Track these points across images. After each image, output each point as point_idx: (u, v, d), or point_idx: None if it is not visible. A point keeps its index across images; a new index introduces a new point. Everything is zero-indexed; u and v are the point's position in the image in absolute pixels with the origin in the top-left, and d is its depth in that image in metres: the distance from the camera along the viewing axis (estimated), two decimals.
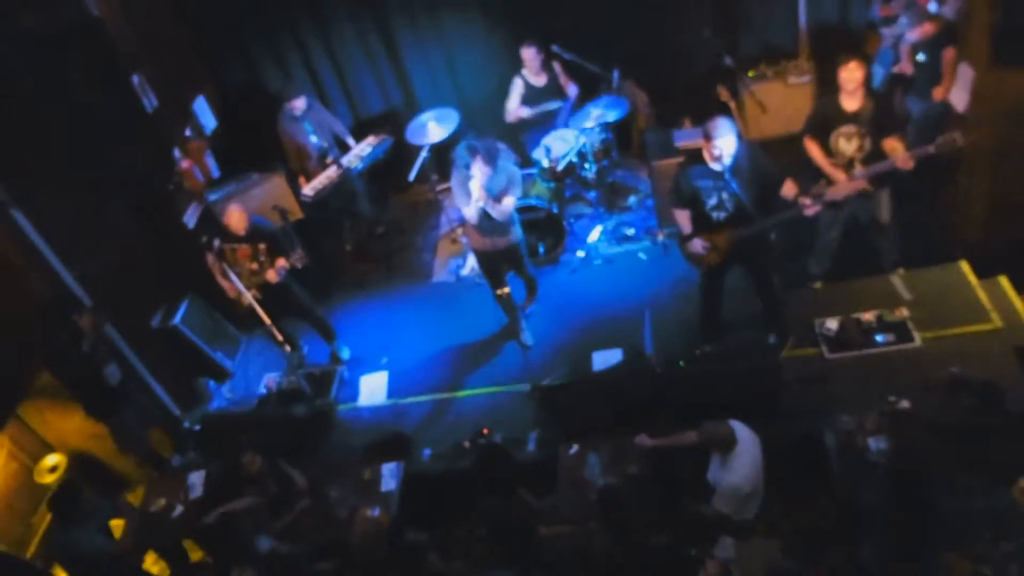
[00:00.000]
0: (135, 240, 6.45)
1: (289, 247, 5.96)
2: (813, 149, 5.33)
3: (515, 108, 7.08)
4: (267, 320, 5.90)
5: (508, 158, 6.42)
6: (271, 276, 5.86)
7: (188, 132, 7.15)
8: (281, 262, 5.83)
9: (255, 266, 5.97)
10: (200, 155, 7.23)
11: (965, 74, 5.36)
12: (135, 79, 6.43)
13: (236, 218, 5.85)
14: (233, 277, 5.85)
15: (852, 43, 7.24)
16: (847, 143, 5.18)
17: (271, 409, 6.36)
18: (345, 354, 6.70)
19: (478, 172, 5.42)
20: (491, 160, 5.43)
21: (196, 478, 5.67)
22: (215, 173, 7.40)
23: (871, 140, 5.13)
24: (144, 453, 6.19)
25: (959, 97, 5.49)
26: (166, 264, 6.65)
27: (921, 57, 5.84)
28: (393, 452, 5.63)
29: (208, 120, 7.52)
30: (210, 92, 7.66)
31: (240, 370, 6.90)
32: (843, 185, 5.15)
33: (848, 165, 5.20)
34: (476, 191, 5.45)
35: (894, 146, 5.04)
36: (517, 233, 5.89)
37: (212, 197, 6.98)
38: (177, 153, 6.86)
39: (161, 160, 6.71)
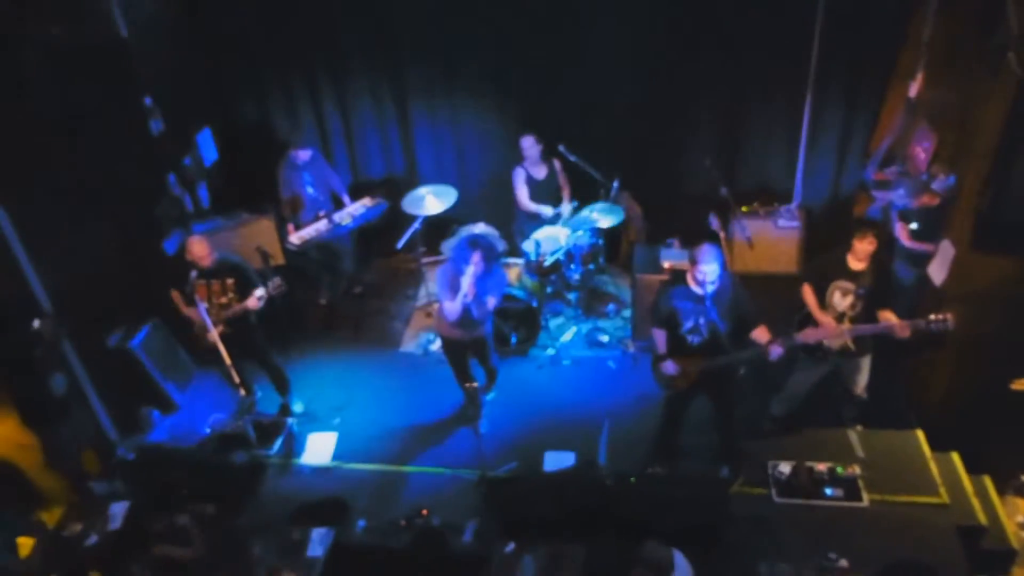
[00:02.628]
0: (111, 256, 6.38)
1: (259, 281, 5.87)
2: (808, 295, 5.46)
3: (526, 200, 7.21)
4: (227, 359, 5.80)
5: (496, 246, 6.52)
6: (252, 303, 5.74)
7: (188, 161, 7.17)
8: (259, 291, 5.74)
9: (224, 300, 5.90)
10: (194, 185, 7.25)
11: (946, 251, 5.56)
12: (147, 101, 6.48)
13: (198, 248, 5.75)
14: (201, 307, 5.77)
15: (843, 200, 7.57)
16: (842, 298, 5.32)
17: (210, 451, 6.21)
18: (298, 408, 6.60)
19: (472, 268, 5.42)
20: (490, 259, 5.48)
21: (118, 509, 5.46)
22: (205, 205, 7.40)
23: (864, 304, 5.27)
24: (71, 473, 5.96)
25: (938, 272, 5.68)
26: (137, 285, 6.56)
27: (914, 226, 6.05)
28: (327, 517, 5.47)
29: (210, 152, 7.57)
30: (217, 126, 7.72)
31: (187, 405, 6.75)
32: (815, 332, 5.25)
33: (839, 318, 5.34)
34: (467, 286, 5.44)
35: (888, 317, 5.18)
36: (488, 327, 5.93)
37: (198, 228, 6.98)
38: (173, 179, 6.87)
39: (155, 183, 6.71)
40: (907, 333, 5.04)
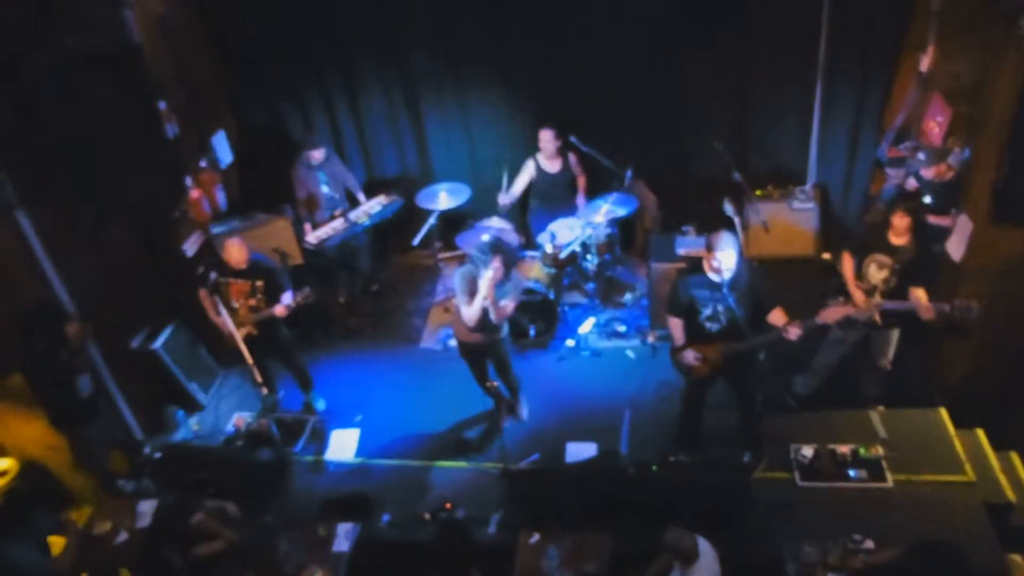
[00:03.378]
0: (132, 259, 6.47)
1: (289, 285, 6.02)
2: (847, 264, 5.52)
3: (512, 191, 7.22)
4: (249, 359, 5.87)
5: (513, 243, 6.54)
6: (279, 311, 5.88)
7: (203, 163, 7.24)
8: (286, 296, 5.88)
9: (252, 302, 6.00)
10: (211, 187, 7.31)
11: (964, 226, 5.51)
12: (162, 105, 6.55)
13: (235, 251, 5.89)
14: (224, 315, 5.85)
15: (858, 179, 7.52)
16: (877, 271, 5.37)
17: (236, 449, 6.29)
18: (320, 405, 6.66)
19: (492, 272, 5.35)
20: (510, 264, 5.44)
21: (146, 507, 5.51)
22: (223, 207, 7.47)
23: (899, 279, 5.30)
24: (99, 472, 6.05)
25: (956, 247, 5.63)
26: (158, 287, 6.66)
27: (928, 199, 6.00)
28: (352, 512, 5.52)
29: (225, 154, 7.63)
30: (231, 128, 7.79)
31: (212, 404, 6.84)
32: (837, 309, 5.24)
33: (870, 292, 5.38)
34: (486, 290, 5.38)
35: (919, 295, 5.22)
36: (505, 331, 5.85)
37: (216, 230, 7.05)
38: (189, 182, 6.94)
39: (173, 186, 6.77)
40: (931, 315, 5.05)
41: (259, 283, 5.98)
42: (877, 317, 5.37)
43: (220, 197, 7.46)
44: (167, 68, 6.64)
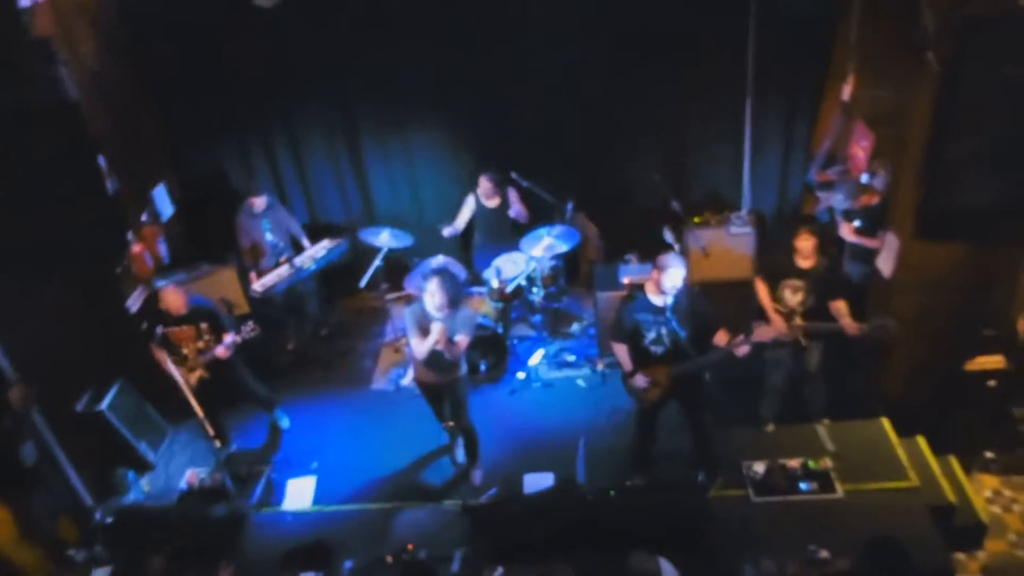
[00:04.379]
0: (74, 318, 6.33)
1: (231, 325, 6.03)
2: (762, 290, 5.69)
3: (455, 223, 7.32)
4: (200, 412, 5.80)
5: (460, 276, 6.60)
6: (221, 353, 5.91)
7: (144, 217, 7.18)
8: (228, 337, 5.89)
9: (201, 344, 6.00)
10: (153, 241, 7.25)
11: (892, 243, 5.77)
12: (101, 160, 6.49)
13: (172, 298, 5.90)
14: (172, 368, 5.79)
15: (791, 203, 7.82)
16: (792, 295, 5.54)
17: (189, 507, 6.16)
18: (285, 423, 6.70)
19: (430, 296, 5.35)
20: (456, 302, 5.44)
21: (100, 575, 5.39)
22: (166, 260, 7.40)
23: (815, 297, 5.51)
24: (48, 543, 5.85)
25: (885, 264, 5.90)
26: (102, 346, 6.52)
27: (858, 223, 6.27)
28: (313, 561, 5.44)
29: (166, 207, 7.57)
30: (171, 180, 7.74)
31: (162, 463, 6.70)
32: (768, 329, 5.41)
33: (789, 315, 5.54)
34: (437, 333, 5.37)
35: (839, 308, 5.44)
36: (462, 369, 5.83)
37: (160, 284, 6.95)
38: (131, 236, 6.86)
39: (114, 242, 6.68)
40: (856, 331, 5.28)
41: (204, 325, 5.98)
42: (802, 339, 5.55)
43: (162, 250, 7.40)
44: (104, 123, 6.59)
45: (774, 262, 5.79)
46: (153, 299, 6.82)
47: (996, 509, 6.02)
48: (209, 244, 7.55)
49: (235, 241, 7.39)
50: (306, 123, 7.74)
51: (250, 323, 5.98)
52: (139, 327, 6.50)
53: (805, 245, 5.47)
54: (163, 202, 7.54)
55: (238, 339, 5.95)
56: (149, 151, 7.49)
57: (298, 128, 7.79)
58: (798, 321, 5.49)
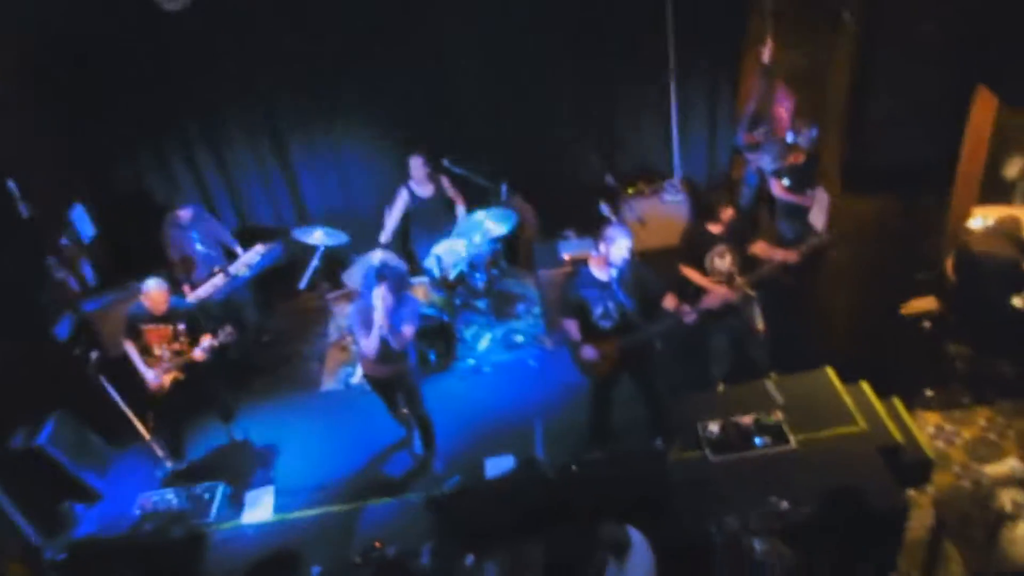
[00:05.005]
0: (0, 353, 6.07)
1: (209, 327, 5.92)
2: (692, 273, 5.75)
3: (391, 219, 7.26)
4: (146, 434, 5.64)
5: (400, 269, 6.52)
6: (197, 355, 5.80)
7: (64, 240, 6.90)
8: (207, 338, 5.78)
9: (177, 346, 5.89)
10: (76, 264, 6.99)
11: (822, 199, 5.92)
12: (11, 186, 6.22)
13: (156, 295, 5.78)
14: (140, 365, 5.74)
15: (721, 166, 7.94)
16: (722, 261, 5.66)
17: (144, 532, 5.98)
18: (239, 436, 6.54)
19: (381, 300, 5.32)
20: (399, 289, 5.42)
21: None
22: (92, 282, 7.14)
23: (739, 253, 5.61)
24: None
25: (818, 218, 6.05)
26: (33, 379, 6.26)
27: (786, 182, 6.40)
28: (280, 572, 5.36)
29: (86, 228, 7.31)
30: (90, 200, 7.45)
31: (112, 491, 6.47)
32: (716, 294, 5.51)
33: (729, 279, 5.64)
34: (379, 319, 5.36)
35: (762, 248, 5.59)
36: (411, 359, 5.82)
37: (88, 307, 6.73)
38: (52, 262, 6.60)
39: (34, 269, 6.43)
40: (794, 258, 5.43)
41: (181, 327, 5.87)
42: (750, 290, 5.68)
43: (87, 272, 7.13)
44: (11, 148, 6.31)
45: (690, 242, 5.86)
46: (84, 324, 6.60)
47: (940, 444, 6.26)
48: (137, 261, 7.29)
49: (164, 255, 7.15)
50: (226, 129, 7.55)
51: (229, 327, 5.89)
52: (71, 354, 6.26)
53: (728, 214, 5.59)
54: (83, 223, 7.28)
55: (215, 342, 5.85)
56: (63, 173, 7.21)
57: (218, 135, 7.59)
58: (739, 280, 5.59)
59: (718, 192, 6.07)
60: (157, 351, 5.93)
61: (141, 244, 7.33)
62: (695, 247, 5.73)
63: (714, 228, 5.64)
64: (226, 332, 5.88)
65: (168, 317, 5.89)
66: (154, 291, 5.81)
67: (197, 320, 6.00)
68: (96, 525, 6.21)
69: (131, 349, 5.93)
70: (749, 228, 5.79)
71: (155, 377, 5.88)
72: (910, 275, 5.95)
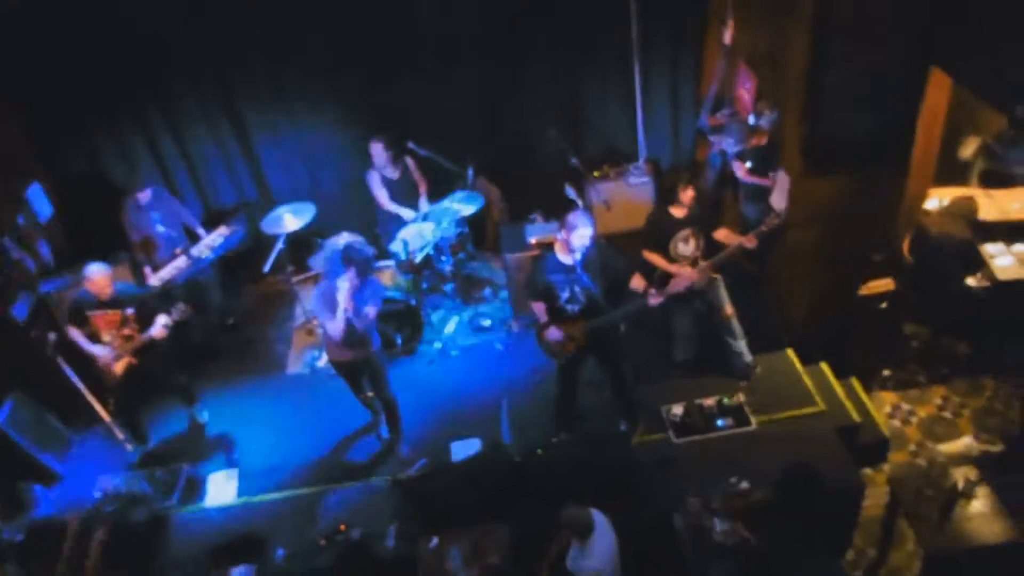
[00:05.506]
0: None
1: (161, 308, 5.85)
2: (656, 259, 5.74)
3: (386, 202, 7.23)
4: (106, 416, 5.58)
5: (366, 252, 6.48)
6: (159, 333, 5.75)
7: (21, 219, 6.75)
8: (162, 318, 5.72)
9: (126, 331, 5.80)
10: (33, 243, 6.85)
11: (783, 181, 5.99)
12: None
13: (100, 279, 5.69)
14: (89, 346, 5.69)
15: (685, 148, 7.99)
16: (686, 245, 5.66)
17: (105, 515, 5.92)
18: (204, 417, 6.53)
19: (347, 282, 5.31)
20: (364, 272, 5.38)
21: None
22: (50, 262, 7.00)
23: (704, 237, 5.63)
24: None
25: (779, 200, 6.12)
26: None
27: (750, 164, 6.46)
28: (244, 554, 5.35)
29: (43, 207, 7.15)
30: (46, 179, 7.29)
31: (72, 473, 6.40)
32: (681, 279, 5.55)
33: (694, 263, 5.66)
34: (344, 301, 5.33)
35: (726, 234, 5.62)
36: (376, 342, 5.80)
37: (45, 288, 6.61)
38: (8, 242, 6.46)
39: None
40: (754, 243, 5.45)
41: (129, 312, 5.79)
42: (715, 274, 5.72)
43: (45, 252, 6.99)
44: None
45: (653, 227, 5.84)
46: (41, 304, 6.48)
47: (896, 423, 6.42)
48: (97, 242, 7.15)
49: (125, 237, 7.03)
50: (187, 110, 7.40)
51: (182, 304, 5.82)
52: (29, 335, 6.15)
53: (686, 195, 5.56)
54: (40, 202, 7.11)
55: (169, 320, 5.77)
56: (17, 152, 7.03)
57: (177, 115, 7.43)
58: (703, 264, 5.64)
59: (678, 174, 6.03)
60: (106, 337, 5.85)
61: (101, 225, 7.18)
62: (658, 232, 5.73)
63: (677, 212, 5.64)
64: (179, 310, 5.79)
65: (115, 302, 5.80)
66: (97, 276, 5.71)
67: (146, 304, 5.91)
68: (55, 507, 6.15)
69: (76, 334, 5.84)
70: (711, 213, 5.81)
71: (106, 352, 5.79)
72: (867, 256, 6.05)
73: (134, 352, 5.86)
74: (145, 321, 5.84)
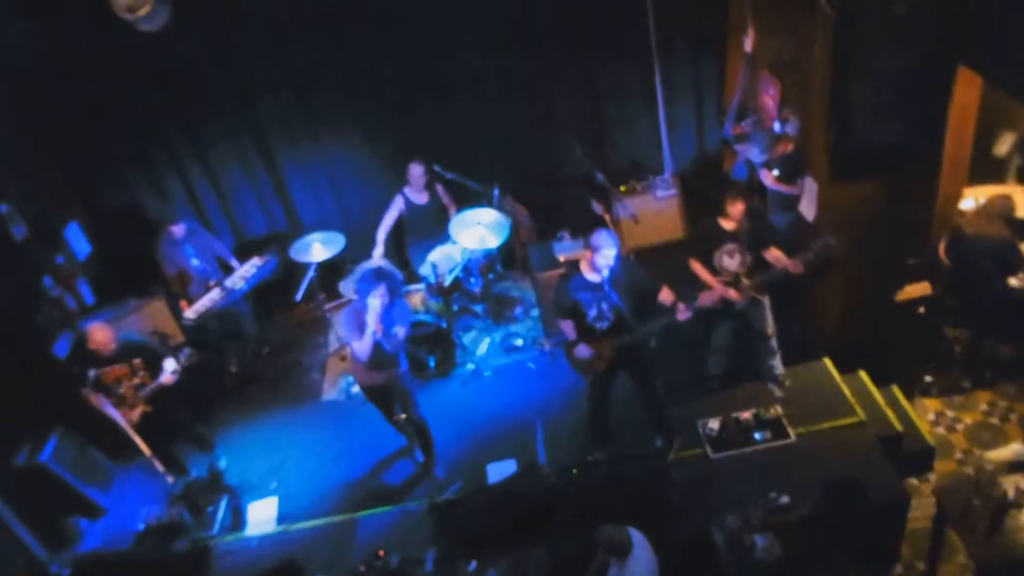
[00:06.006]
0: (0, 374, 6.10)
1: (168, 354, 5.90)
2: (699, 268, 5.62)
3: (383, 227, 7.28)
4: (147, 450, 5.66)
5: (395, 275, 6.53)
6: (167, 380, 5.78)
7: (60, 259, 6.92)
8: (170, 364, 5.77)
9: (137, 380, 5.83)
10: (72, 282, 7.00)
11: (811, 188, 5.90)
12: (3, 208, 6.24)
13: (100, 335, 5.76)
14: (111, 410, 5.68)
15: (711, 159, 7.93)
16: (730, 260, 5.51)
17: (149, 546, 6.00)
18: (223, 464, 6.52)
19: (377, 302, 5.32)
20: (394, 291, 5.42)
21: None
22: (89, 300, 7.15)
23: (752, 254, 5.51)
24: None
25: (808, 208, 6.03)
26: (33, 397, 6.28)
27: (776, 172, 6.38)
28: None
29: (81, 246, 7.32)
30: (83, 218, 7.47)
31: (115, 505, 6.50)
32: (711, 293, 5.47)
33: (735, 281, 5.52)
34: (373, 322, 5.34)
35: (777, 255, 5.47)
36: (403, 364, 5.81)
37: (85, 325, 6.74)
38: (48, 281, 6.62)
39: (30, 289, 6.45)
40: (800, 269, 5.32)
41: (137, 361, 5.84)
42: (756, 294, 5.59)
43: (84, 290, 7.14)
44: (2, 170, 6.33)
45: (701, 236, 5.74)
46: (82, 341, 6.62)
47: (941, 430, 6.25)
48: (133, 278, 7.31)
49: (160, 271, 7.16)
50: (215, 143, 7.54)
51: (187, 350, 5.89)
52: (71, 372, 6.27)
53: (737, 209, 5.40)
54: (78, 241, 7.28)
55: (178, 366, 5.81)
56: (55, 192, 7.22)
57: (208, 149, 7.58)
58: (745, 282, 5.52)
59: (732, 188, 5.89)
60: (121, 389, 5.86)
61: (137, 260, 7.33)
62: (705, 241, 5.61)
63: (727, 224, 5.49)
64: (187, 355, 5.85)
65: (120, 355, 5.83)
66: (96, 333, 5.77)
67: (150, 350, 5.96)
68: (100, 540, 6.26)
69: (101, 400, 5.81)
70: (768, 232, 5.61)
71: (122, 417, 5.81)
72: (902, 260, 5.92)
73: (146, 400, 5.87)
74: (154, 367, 5.87)
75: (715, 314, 5.75)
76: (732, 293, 5.52)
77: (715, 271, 5.59)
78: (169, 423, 6.17)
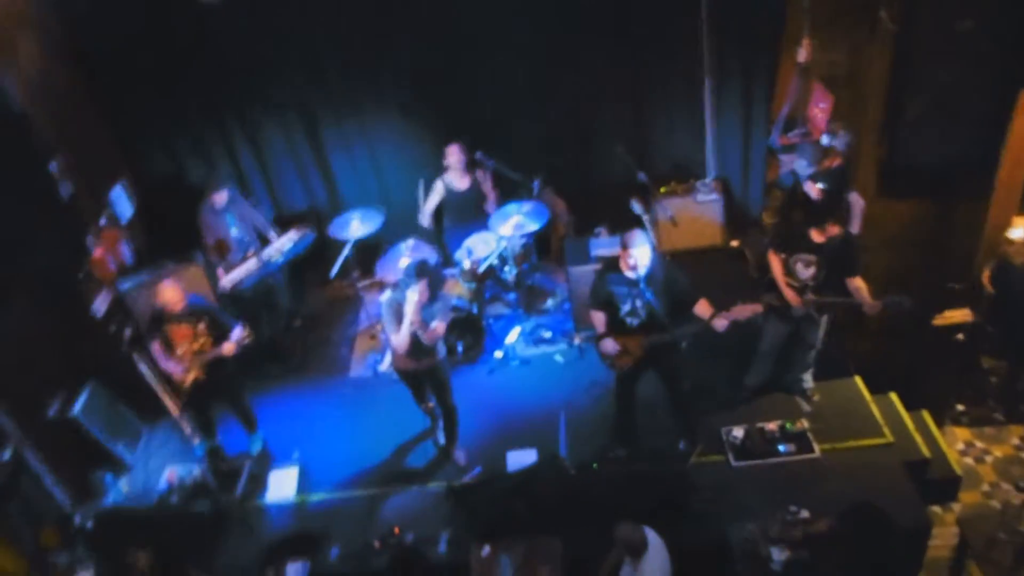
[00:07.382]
0: (39, 326, 6.20)
1: (233, 323, 5.93)
2: (775, 264, 5.53)
3: (426, 213, 7.31)
4: (175, 411, 5.75)
5: (432, 260, 6.57)
6: (229, 349, 5.81)
7: (103, 220, 7.04)
8: (237, 333, 5.81)
9: (197, 345, 5.87)
10: (114, 243, 7.11)
11: (856, 203, 5.83)
12: (52, 166, 6.35)
13: (170, 293, 5.78)
14: (167, 364, 5.76)
15: (755, 167, 7.85)
16: (804, 269, 5.39)
17: (170, 506, 6.12)
18: (256, 446, 6.56)
19: (416, 295, 5.31)
20: (436, 285, 5.43)
21: None
22: (129, 261, 7.27)
23: (828, 272, 5.35)
24: (29, 551, 5.80)
25: (853, 224, 5.95)
26: (70, 352, 6.41)
27: (822, 186, 6.31)
28: (300, 551, 5.46)
29: (124, 208, 7.43)
30: (129, 180, 7.59)
31: (140, 463, 6.63)
32: (747, 307, 5.34)
33: (802, 289, 5.43)
34: (411, 314, 5.33)
35: (858, 285, 5.27)
36: (441, 352, 5.81)
37: (124, 286, 6.87)
38: (91, 241, 6.74)
39: (73, 247, 6.57)
40: (876, 311, 5.14)
41: (201, 325, 5.87)
42: (814, 312, 5.49)
43: (125, 252, 7.26)
44: (53, 128, 6.45)
45: (788, 235, 5.62)
46: (119, 302, 6.74)
47: (969, 461, 6.16)
48: (173, 242, 7.41)
49: (200, 238, 7.26)
50: (263, 114, 7.62)
51: (243, 328, 5.88)
52: (107, 330, 6.39)
53: (831, 231, 5.23)
54: (122, 203, 7.40)
55: (243, 337, 5.83)
56: (103, 153, 7.34)
57: (255, 120, 7.66)
58: (810, 295, 5.42)
59: (836, 212, 5.64)
60: (180, 350, 5.86)
61: (178, 225, 7.43)
62: (789, 242, 5.48)
63: (817, 237, 5.31)
64: (243, 334, 5.84)
65: (187, 315, 5.84)
66: (166, 291, 5.79)
67: (218, 317, 5.97)
68: (124, 496, 6.37)
69: (155, 348, 5.86)
70: (854, 261, 5.33)
71: (179, 370, 5.84)
72: (944, 284, 5.83)
73: (203, 366, 5.90)
74: (218, 334, 5.90)
75: (773, 315, 5.62)
76: (792, 295, 5.44)
77: (788, 272, 5.50)
78: (224, 393, 6.22)
